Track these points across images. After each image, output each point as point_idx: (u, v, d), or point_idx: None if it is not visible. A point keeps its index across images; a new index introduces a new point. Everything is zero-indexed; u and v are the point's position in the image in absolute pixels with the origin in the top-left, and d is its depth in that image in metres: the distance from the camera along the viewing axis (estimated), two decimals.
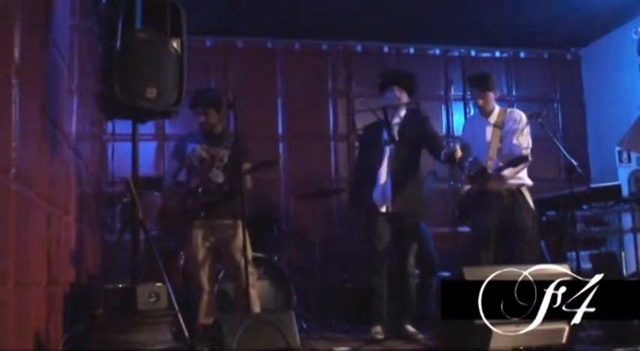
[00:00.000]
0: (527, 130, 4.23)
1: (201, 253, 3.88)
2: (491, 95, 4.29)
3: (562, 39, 6.62)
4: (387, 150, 4.13)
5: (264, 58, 6.33)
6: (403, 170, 4.16)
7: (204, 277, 3.89)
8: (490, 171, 4.10)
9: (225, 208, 3.90)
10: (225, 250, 3.91)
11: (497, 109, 4.33)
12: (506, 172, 4.01)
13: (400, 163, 4.15)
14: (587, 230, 5.57)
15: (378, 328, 4.05)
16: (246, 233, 3.53)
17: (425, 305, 4.57)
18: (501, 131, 4.23)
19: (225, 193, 3.91)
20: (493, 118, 4.29)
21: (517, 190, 4.17)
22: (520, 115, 4.29)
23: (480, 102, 4.28)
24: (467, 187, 4.26)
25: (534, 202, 4.34)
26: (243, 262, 3.53)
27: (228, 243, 3.88)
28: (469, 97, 6.52)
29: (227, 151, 4.00)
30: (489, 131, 4.27)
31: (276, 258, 4.79)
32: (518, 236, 4.08)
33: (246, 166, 3.89)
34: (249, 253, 3.84)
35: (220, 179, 3.96)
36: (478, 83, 4.31)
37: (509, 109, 4.43)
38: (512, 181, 4.16)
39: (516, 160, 3.95)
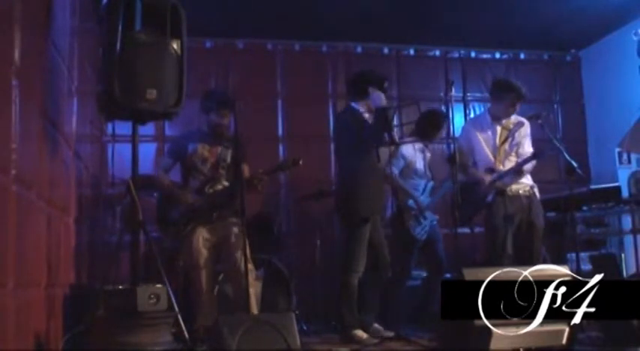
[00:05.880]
0: (528, 138, 4.59)
1: (202, 254, 3.88)
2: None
3: (562, 40, 6.63)
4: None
5: (264, 59, 6.33)
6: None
7: (205, 278, 3.88)
8: (500, 168, 4.40)
9: (227, 209, 3.92)
10: (225, 250, 3.91)
11: None
12: (527, 166, 4.36)
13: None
14: (587, 231, 5.58)
15: (362, 333, 4.10)
16: (245, 233, 3.53)
17: (432, 306, 4.59)
18: (508, 133, 4.49)
19: (230, 194, 3.91)
20: (502, 121, 4.57)
21: (531, 190, 4.44)
22: (525, 122, 4.57)
23: (512, 110, 4.53)
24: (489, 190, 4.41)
25: None
26: (242, 262, 3.54)
27: (228, 242, 3.88)
28: (470, 98, 6.58)
29: (228, 151, 4.02)
30: (499, 132, 4.53)
31: (276, 259, 4.79)
32: (535, 235, 4.35)
33: (245, 168, 3.93)
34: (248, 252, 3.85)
35: (225, 180, 3.98)
36: (523, 96, 4.52)
37: (513, 116, 4.65)
38: (525, 182, 4.45)
39: (534, 155, 4.34)
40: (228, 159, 4.03)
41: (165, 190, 4.04)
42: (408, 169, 4.72)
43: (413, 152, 4.77)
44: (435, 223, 4.80)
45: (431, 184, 4.85)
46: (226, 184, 4.02)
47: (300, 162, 3.96)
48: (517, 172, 4.35)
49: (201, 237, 3.89)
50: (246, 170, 4.00)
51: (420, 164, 4.80)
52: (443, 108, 6.45)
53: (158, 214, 4.07)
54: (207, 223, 3.92)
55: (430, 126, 4.80)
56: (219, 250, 3.95)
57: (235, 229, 3.87)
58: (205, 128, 4.14)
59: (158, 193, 4.18)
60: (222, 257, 3.97)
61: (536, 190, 4.47)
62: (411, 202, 4.67)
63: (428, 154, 4.92)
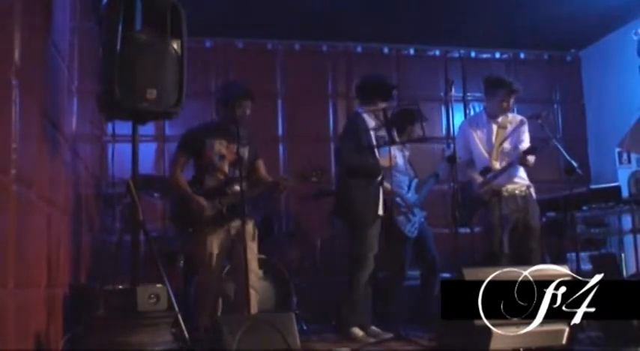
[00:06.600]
0: (527, 134, 4.54)
1: (214, 254, 3.77)
2: None
3: (562, 40, 6.63)
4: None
5: (264, 58, 6.33)
6: None
7: (213, 279, 3.84)
8: (497, 168, 4.36)
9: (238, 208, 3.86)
10: (235, 250, 3.86)
11: None
12: (530, 158, 4.31)
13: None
14: (587, 231, 5.57)
15: (359, 330, 4.18)
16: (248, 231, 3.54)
17: (427, 306, 4.59)
18: (505, 132, 4.47)
19: (250, 197, 3.82)
20: (499, 120, 4.53)
21: (527, 190, 4.42)
22: (522, 119, 4.54)
23: (506, 106, 4.48)
24: (480, 189, 4.39)
25: None
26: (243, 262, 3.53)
27: (236, 243, 3.83)
28: (470, 98, 6.58)
29: (246, 149, 3.89)
30: (495, 131, 4.50)
31: (276, 259, 4.78)
32: (531, 235, 4.34)
33: (260, 164, 3.98)
34: (255, 253, 3.83)
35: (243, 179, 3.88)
36: (514, 90, 4.49)
37: (510, 114, 4.64)
38: (521, 182, 4.43)
39: (534, 148, 4.29)
40: (247, 156, 3.87)
41: (184, 196, 3.81)
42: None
43: (392, 150, 4.73)
44: (423, 219, 4.80)
45: (415, 181, 4.86)
46: (244, 185, 3.89)
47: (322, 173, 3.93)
48: (521, 163, 4.31)
49: (216, 237, 3.79)
50: (261, 166, 3.98)
51: (400, 161, 4.80)
52: (442, 108, 6.47)
53: (175, 212, 3.97)
54: (223, 224, 3.85)
55: (404, 123, 4.74)
56: (230, 250, 3.88)
57: (245, 228, 3.78)
58: (221, 122, 3.94)
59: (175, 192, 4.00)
60: (231, 256, 3.91)
61: (532, 189, 4.46)
62: (398, 199, 4.67)
63: (407, 152, 4.92)
